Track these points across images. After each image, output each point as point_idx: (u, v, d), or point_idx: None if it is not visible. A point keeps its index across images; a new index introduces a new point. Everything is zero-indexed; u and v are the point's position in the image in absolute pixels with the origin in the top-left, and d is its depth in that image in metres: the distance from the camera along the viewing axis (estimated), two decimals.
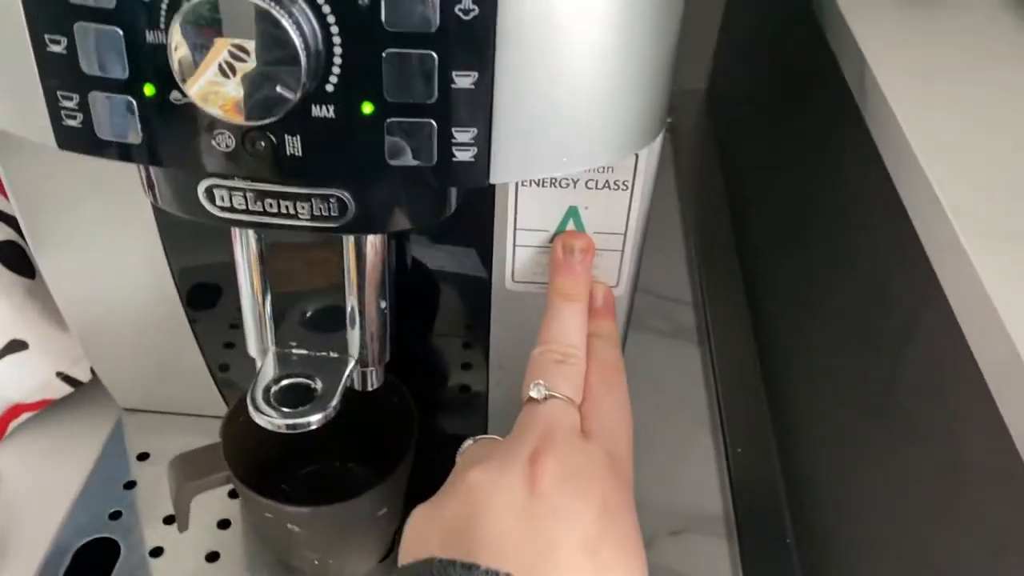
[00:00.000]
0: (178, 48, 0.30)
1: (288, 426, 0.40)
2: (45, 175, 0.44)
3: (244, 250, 0.40)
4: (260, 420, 0.40)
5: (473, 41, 0.31)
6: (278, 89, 0.30)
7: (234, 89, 0.30)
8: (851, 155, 0.54)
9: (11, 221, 0.59)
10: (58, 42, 0.32)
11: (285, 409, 0.40)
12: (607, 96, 0.34)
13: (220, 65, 0.30)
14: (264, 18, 0.29)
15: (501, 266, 0.45)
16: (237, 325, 0.53)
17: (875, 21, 0.51)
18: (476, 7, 0.31)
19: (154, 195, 0.38)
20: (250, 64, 0.30)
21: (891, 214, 0.44)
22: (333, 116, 0.32)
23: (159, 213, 0.45)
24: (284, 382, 0.42)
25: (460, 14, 0.31)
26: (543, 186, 0.42)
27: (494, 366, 0.52)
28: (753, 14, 0.87)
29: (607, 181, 0.41)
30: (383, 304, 0.42)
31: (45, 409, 0.62)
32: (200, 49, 0.30)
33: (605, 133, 0.35)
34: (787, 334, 0.68)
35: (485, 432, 0.58)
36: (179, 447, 0.47)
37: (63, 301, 0.52)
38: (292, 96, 0.30)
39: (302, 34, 0.30)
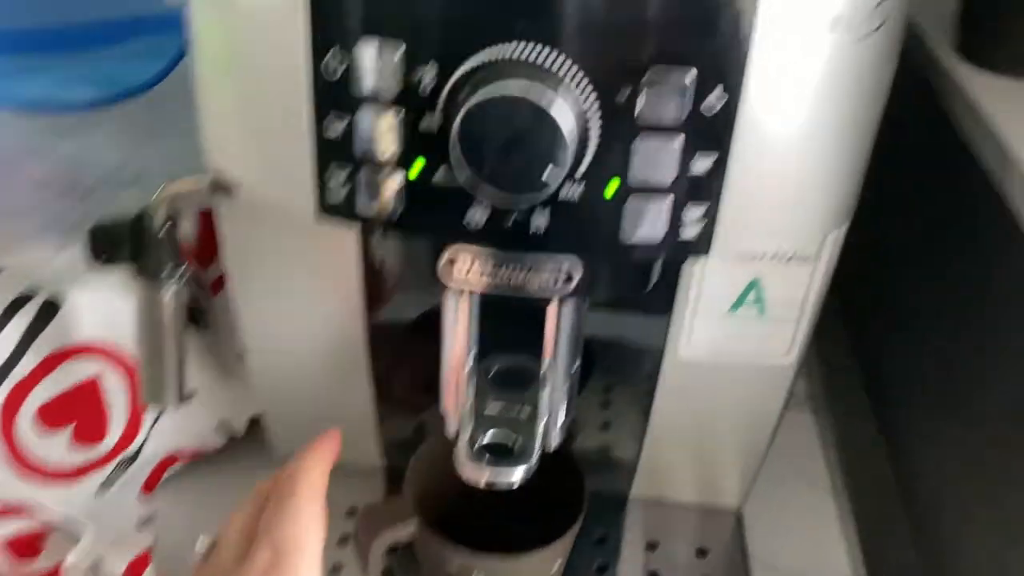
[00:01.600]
0: (460, 140, 0.33)
1: (492, 483, 0.42)
2: (259, 224, 0.48)
3: (458, 313, 0.44)
4: (470, 475, 0.42)
5: (715, 130, 0.35)
6: (544, 178, 0.34)
7: (507, 175, 0.34)
8: (988, 239, 0.56)
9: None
10: (336, 125, 0.36)
11: (489, 464, 0.43)
12: (819, 185, 0.38)
13: (498, 152, 0.33)
14: (540, 116, 0.32)
15: (677, 333, 0.48)
16: (415, 381, 0.56)
17: (1005, 103, 0.54)
18: (721, 101, 0.34)
19: (387, 261, 0.41)
20: (525, 153, 0.33)
21: None
22: (579, 196, 0.36)
23: (367, 269, 0.49)
24: (485, 440, 0.44)
25: (708, 104, 0.34)
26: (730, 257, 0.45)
27: (651, 431, 0.54)
28: None
29: (793, 253, 0.44)
30: (576, 365, 0.45)
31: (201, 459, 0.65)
32: (481, 140, 0.33)
33: (814, 216, 0.39)
34: (909, 408, 0.69)
35: (628, 493, 0.60)
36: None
37: (253, 345, 0.55)
38: (556, 180, 0.34)
39: (571, 129, 0.33)
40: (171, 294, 0.45)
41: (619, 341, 0.51)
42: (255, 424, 0.65)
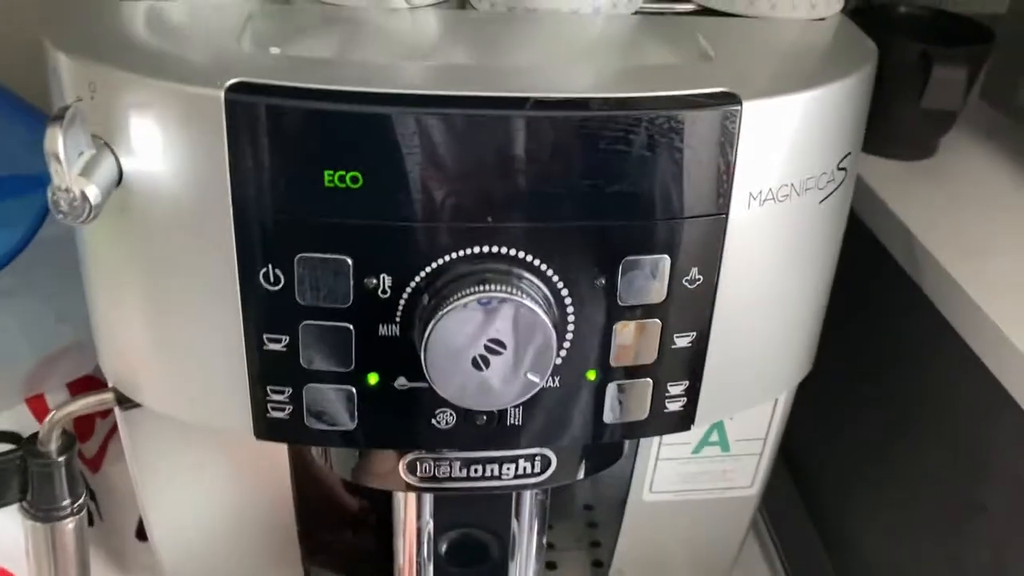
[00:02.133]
0: (430, 349, 0.29)
1: None
2: (173, 436, 0.42)
3: (413, 511, 0.39)
4: None
5: (696, 307, 0.33)
6: (528, 376, 0.30)
7: (486, 380, 0.30)
8: (899, 317, 0.57)
9: None
10: (278, 341, 0.31)
11: None
12: (790, 342, 0.37)
13: (475, 359, 0.30)
14: (523, 313, 0.29)
15: (641, 478, 0.46)
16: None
17: (902, 195, 0.55)
18: (701, 276, 0.32)
19: (332, 467, 0.37)
20: (506, 356, 0.30)
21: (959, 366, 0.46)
22: (557, 385, 0.33)
23: (301, 472, 0.43)
24: None
25: (686, 284, 0.32)
26: None
27: (614, 570, 0.51)
28: None
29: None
30: (544, 538, 0.42)
31: None
32: (456, 350, 0.29)
33: (785, 371, 0.38)
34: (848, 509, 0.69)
35: None
36: None
37: (163, 543, 0.47)
38: (540, 380, 0.31)
39: (554, 323, 0.30)
40: (72, 528, 0.38)
41: (580, 491, 0.48)
42: None
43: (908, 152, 0.60)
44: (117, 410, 0.39)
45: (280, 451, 0.41)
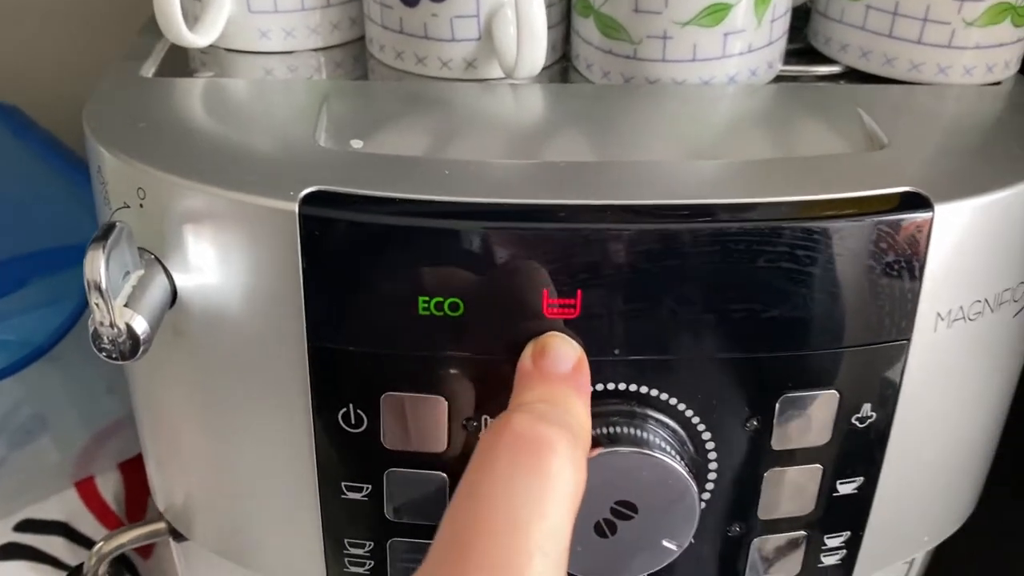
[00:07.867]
0: None
1: None
2: None
3: None
4: None
5: (865, 448, 0.27)
6: (665, 543, 0.25)
7: (611, 548, 0.25)
8: None
9: None
10: (359, 489, 0.26)
11: None
12: (961, 479, 0.30)
13: (598, 523, 0.24)
14: (658, 470, 0.24)
15: None
16: None
17: None
18: (874, 413, 0.26)
19: None
20: (637, 521, 0.24)
21: None
22: (691, 542, 0.27)
23: None
24: None
25: (856, 423, 0.26)
26: None
27: None
28: None
29: None
30: None
31: None
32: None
33: (951, 512, 0.31)
34: None
35: None
36: None
37: None
38: (679, 548, 0.25)
39: (696, 479, 0.24)
40: None
41: None
42: None
43: None
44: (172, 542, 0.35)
45: None
